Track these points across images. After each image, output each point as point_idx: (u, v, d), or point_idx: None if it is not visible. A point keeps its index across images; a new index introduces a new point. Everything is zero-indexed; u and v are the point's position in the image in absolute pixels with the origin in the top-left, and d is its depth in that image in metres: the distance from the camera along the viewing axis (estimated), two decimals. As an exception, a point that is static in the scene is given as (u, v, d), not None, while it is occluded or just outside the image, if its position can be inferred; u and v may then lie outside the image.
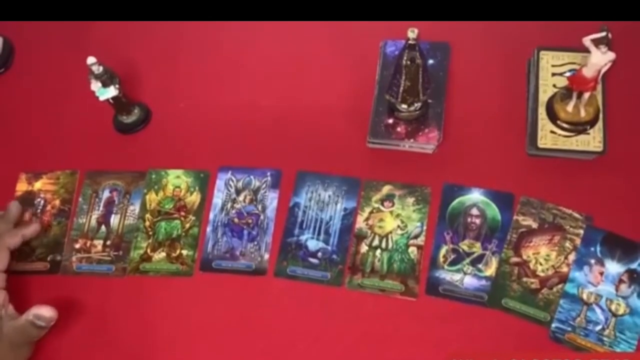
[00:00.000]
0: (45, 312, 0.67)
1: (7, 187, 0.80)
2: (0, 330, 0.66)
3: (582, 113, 0.72)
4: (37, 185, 0.80)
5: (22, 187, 0.80)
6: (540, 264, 0.69)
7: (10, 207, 0.77)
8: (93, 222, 0.77)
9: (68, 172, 0.80)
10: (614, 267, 0.68)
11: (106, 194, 0.79)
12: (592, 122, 0.72)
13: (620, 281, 0.67)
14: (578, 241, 0.69)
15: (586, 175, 0.72)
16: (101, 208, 0.78)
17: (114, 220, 0.77)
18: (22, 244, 0.74)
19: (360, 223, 0.73)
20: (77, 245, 0.76)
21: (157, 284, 0.73)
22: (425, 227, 0.72)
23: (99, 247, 0.76)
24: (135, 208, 0.77)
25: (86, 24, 0.89)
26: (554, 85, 0.75)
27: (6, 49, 0.89)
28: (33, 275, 0.75)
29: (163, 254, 0.75)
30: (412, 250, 0.71)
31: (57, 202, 0.79)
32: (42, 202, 0.79)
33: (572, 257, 0.69)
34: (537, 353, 0.66)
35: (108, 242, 0.76)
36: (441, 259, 0.71)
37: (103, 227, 0.77)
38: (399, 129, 0.75)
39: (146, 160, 0.80)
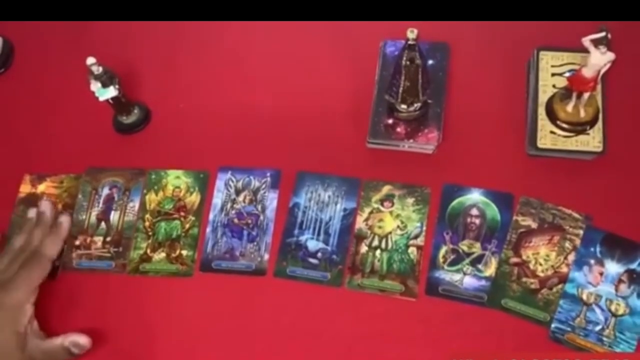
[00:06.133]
0: (83, 341, 0.67)
1: (9, 188, 0.80)
2: (23, 346, 0.65)
3: (582, 113, 0.72)
4: (41, 187, 0.80)
5: (25, 188, 0.80)
6: (540, 264, 0.69)
7: (41, 207, 0.75)
8: (93, 218, 0.77)
9: (72, 176, 0.80)
10: (613, 267, 0.68)
11: (106, 191, 0.79)
12: (592, 123, 0.72)
13: (620, 281, 0.67)
14: (578, 241, 0.69)
15: (586, 175, 0.73)
16: (101, 205, 0.78)
17: (114, 216, 0.77)
18: None
19: (360, 223, 0.73)
20: (77, 242, 0.76)
21: (157, 285, 0.73)
22: (424, 228, 0.72)
23: (99, 244, 0.76)
24: (134, 205, 0.77)
25: (86, 24, 0.89)
26: (554, 86, 0.75)
27: (6, 49, 0.89)
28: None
29: (163, 255, 0.75)
30: (412, 251, 0.71)
31: (59, 207, 0.78)
32: (45, 205, 0.79)
33: (571, 257, 0.69)
34: (536, 353, 0.66)
35: (108, 239, 0.76)
36: (441, 259, 0.71)
37: (103, 224, 0.77)
38: (398, 129, 0.75)
39: (146, 161, 0.79)
